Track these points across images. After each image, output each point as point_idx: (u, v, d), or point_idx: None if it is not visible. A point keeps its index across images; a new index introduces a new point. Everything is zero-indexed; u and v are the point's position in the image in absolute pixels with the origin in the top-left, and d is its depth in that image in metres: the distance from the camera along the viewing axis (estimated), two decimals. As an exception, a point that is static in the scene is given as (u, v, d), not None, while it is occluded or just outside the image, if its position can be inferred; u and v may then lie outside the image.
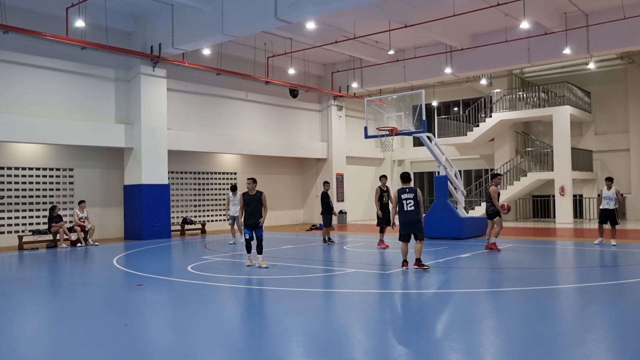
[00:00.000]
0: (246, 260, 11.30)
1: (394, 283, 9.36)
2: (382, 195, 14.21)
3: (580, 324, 6.48)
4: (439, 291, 8.62)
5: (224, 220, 20.50)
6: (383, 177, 14.69)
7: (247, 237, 10.91)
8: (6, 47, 15.42)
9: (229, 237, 17.14)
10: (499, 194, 13.23)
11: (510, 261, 11.56)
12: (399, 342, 5.74)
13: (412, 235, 10.22)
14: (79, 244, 16.04)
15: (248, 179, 11.13)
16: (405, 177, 10.50)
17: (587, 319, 6.66)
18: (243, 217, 10.97)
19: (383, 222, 14.22)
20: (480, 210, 23.33)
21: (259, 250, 10.84)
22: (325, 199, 15.64)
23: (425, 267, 10.12)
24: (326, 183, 16.25)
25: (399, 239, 10.29)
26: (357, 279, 9.87)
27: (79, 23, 15.33)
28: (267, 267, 10.73)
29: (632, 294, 8.14)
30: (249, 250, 11.13)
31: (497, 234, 13.11)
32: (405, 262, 10.24)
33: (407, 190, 10.23)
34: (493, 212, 13.16)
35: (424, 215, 10.23)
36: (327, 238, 15.35)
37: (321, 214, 15.61)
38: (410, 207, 10.10)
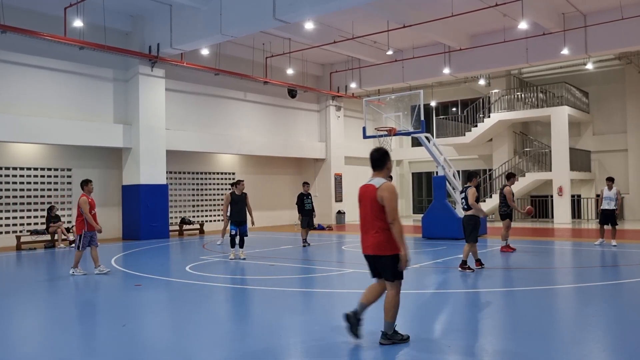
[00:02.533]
0: (230, 254, 12.32)
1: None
2: None
3: (578, 323, 6.49)
4: (437, 291, 8.62)
5: (222, 220, 20.41)
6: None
7: (234, 232, 12.12)
8: (4, 47, 15.39)
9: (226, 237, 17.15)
10: (513, 194, 13.07)
11: (509, 261, 11.56)
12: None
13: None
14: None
15: (240, 180, 12.58)
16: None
17: (585, 319, 6.67)
18: (230, 215, 12.18)
19: None
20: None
21: (241, 245, 12.25)
22: (298, 199, 15.06)
23: (469, 269, 9.92)
24: (304, 184, 15.57)
25: None
26: (355, 279, 9.86)
27: (77, 23, 15.30)
28: (244, 259, 12.09)
29: (630, 294, 8.15)
30: (233, 245, 12.22)
31: (503, 236, 13.00)
32: (476, 262, 10.27)
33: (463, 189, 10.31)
34: (505, 214, 13.08)
35: (473, 214, 10.04)
36: (303, 239, 14.89)
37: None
38: (463, 206, 10.23)
